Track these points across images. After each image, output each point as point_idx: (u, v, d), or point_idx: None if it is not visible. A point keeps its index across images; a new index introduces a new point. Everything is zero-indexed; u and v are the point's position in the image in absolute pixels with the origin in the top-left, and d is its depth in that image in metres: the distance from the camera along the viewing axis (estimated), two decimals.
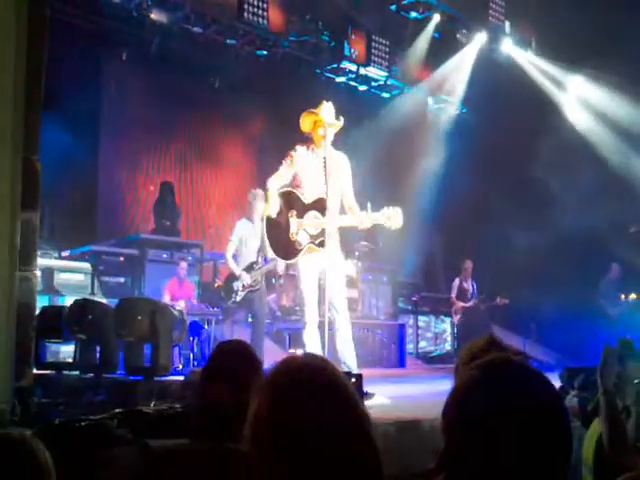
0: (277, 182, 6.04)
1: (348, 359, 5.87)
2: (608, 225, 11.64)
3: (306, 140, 6.10)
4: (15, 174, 4.40)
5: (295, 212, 5.92)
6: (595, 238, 11.98)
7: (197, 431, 2.40)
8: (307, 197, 5.95)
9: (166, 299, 9.62)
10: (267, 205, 6.10)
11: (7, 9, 4.42)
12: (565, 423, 1.28)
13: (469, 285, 12.72)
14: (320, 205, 5.82)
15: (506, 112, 13.30)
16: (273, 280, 11.15)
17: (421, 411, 4.99)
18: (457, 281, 12.81)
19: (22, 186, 4.48)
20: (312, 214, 5.88)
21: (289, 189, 6.03)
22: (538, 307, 12.74)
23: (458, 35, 14.12)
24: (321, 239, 5.76)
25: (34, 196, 4.87)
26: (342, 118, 6.03)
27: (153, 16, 11.59)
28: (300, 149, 6.06)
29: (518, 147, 13.70)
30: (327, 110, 5.99)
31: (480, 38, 14.11)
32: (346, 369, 5.70)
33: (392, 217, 5.65)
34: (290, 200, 6.00)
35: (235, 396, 2.34)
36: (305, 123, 5.99)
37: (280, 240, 5.97)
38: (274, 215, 5.99)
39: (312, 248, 5.84)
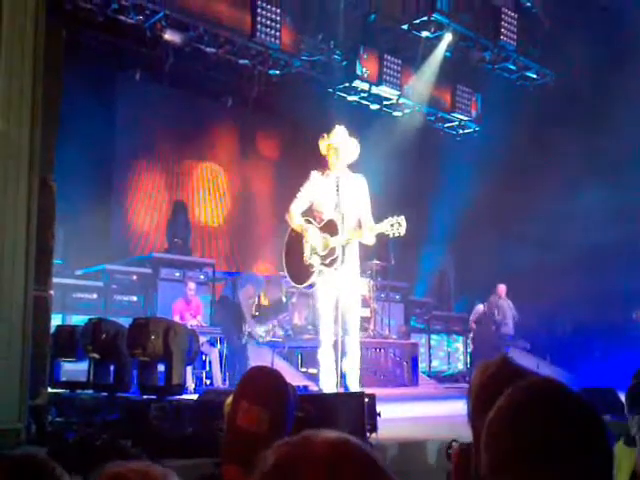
0: (298, 207, 6.18)
1: (352, 382, 5.93)
2: (623, 244, 11.61)
3: (322, 162, 6.21)
4: (32, 194, 4.44)
5: (310, 234, 6.03)
6: (609, 257, 11.93)
7: (227, 455, 2.40)
8: (323, 220, 6.06)
9: (176, 319, 9.65)
10: (290, 229, 6.24)
11: (25, 32, 4.49)
12: (607, 440, 1.31)
13: (502, 308, 12.65)
14: (330, 227, 5.94)
15: (519, 129, 13.30)
16: (284, 299, 11.20)
17: (432, 431, 4.98)
18: (480, 307, 12.80)
19: (38, 205, 4.52)
20: (323, 236, 5.99)
21: (304, 218, 6.17)
22: (551, 327, 12.69)
23: (470, 54, 14.18)
24: (331, 259, 5.88)
25: (50, 215, 4.92)
26: (354, 139, 6.11)
27: (167, 36, 11.69)
28: (315, 174, 6.18)
29: (530, 163, 13.72)
30: (338, 134, 6.07)
31: (491, 57, 14.18)
32: (346, 390, 5.77)
33: (395, 225, 5.75)
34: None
35: (271, 422, 2.34)
36: (321, 147, 6.15)
37: (295, 265, 6.12)
38: (291, 242, 6.16)
39: (323, 269, 5.93)
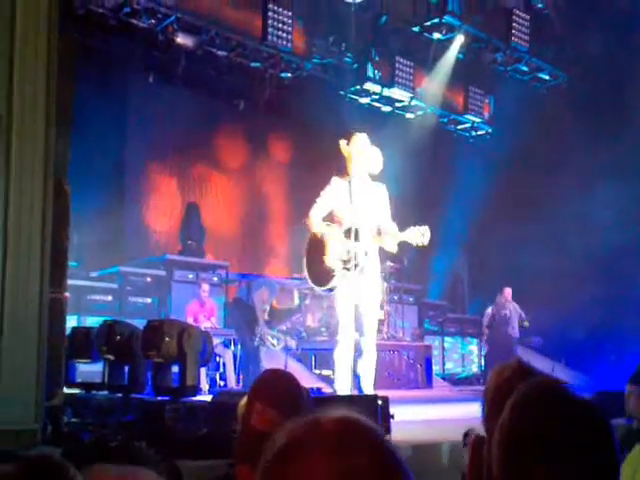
0: (318, 213, 6.23)
1: (366, 385, 5.95)
2: (637, 245, 11.54)
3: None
4: (47, 196, 4.47)
5: (332, 239, 6.08)
6: (623, 259, 11.87)
7: (241, 456, 2.41)
8: (344, 226, 6.11)
9: (189, 321, 9.67)
10: (312, 232, 6.28)
11: (38, 36, 4.52)
12: (611, 442, 1.32)
13: (508, 311, 12.64)
14: (352, 233, 5.98)
15: (531, 130, 13.26)
16: (297, 302, 11.23)
17: (446, 433, 4.97)
18: (489, 310, 12.79)
19: (53, 208, 4.55)
20: (344, 241, 6.04)
21: (325, 223, 6.22)
22: (566, 330, 12.64)
23: (482, 55, 14.17)
24: (353, 263, 5.94)
25: (65, 218, 4.95)
26: (378, 151, 6.13)
27: (179, 40, 11.75)
28: (335, 180, 6.22)
29: (542, 165, 13.68)
30: (358, 142, 6.09)
31: (503, 58, 14.16)
32: (360, 392, 5.79)
33: (419, 235, 5.78)
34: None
35: (280, 423, 2.35)
36: (343, 151, 6.16)
37: (315, 268, 6.17)
38: (312, 246, 6.21)
39: (345, 273, 5.96)
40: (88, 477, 1.37)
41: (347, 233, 6.02)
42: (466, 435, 2.49)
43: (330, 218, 6.24)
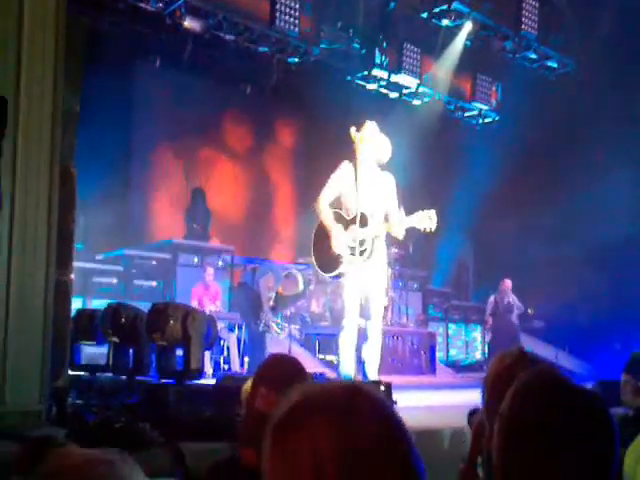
0: (326, 196, 6.21)
1: (371, 370, 5.97)
2: None
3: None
4: (53, 179, 4.49)
5: (338, 227, 6.09)
6: (629, 248, 11.85)
7: (245, 439, 2.43)
8: (351, 212, 6.10)
9: (194, 304, 9.71)
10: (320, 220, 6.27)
11: (47, 18, 4.52)
12: (611, 431, 1.34)
13: (507, 304, 12.67)
14: (360, 219, 5.97)
15: (539, 118, 13.21)
16: (302, 286, 11.25)
17: (449, 420, 4.99)
18: (492, 298, 12.80)
19: (59, 192, 4.57)
20: (352, 228, 6.04)
21: (333, 210, 6.21)
22: (571, 318, 12.64)
23: (490, 43, 14.10)
24: (360, 250, 5.94)
25: (71, 201, 4.97)
26: (386, 139, 6.11)
27: (186, 24, 11.71)
28: (345, 164, 6.18)
29: (550, 153, 13.64)
30: (368, 129, 6.07)
31: (512, 46, 14.09)
32: (365, 378, 5.80)
33: (426, 220, 5.75)
34: (333, 217, 6.20)
35: None
36: (352, 138, 6.11)
37: (323, 255, 6.17)
38: (320, 233, 6.21)
39: (352, 259, 5.96)
40: (55, 459, 1.39)
41: (354, 219, 6.02)
42: (471, 414, 2.51)
43: (339, 203, 6.24)
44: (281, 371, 2.51)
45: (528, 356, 2.35)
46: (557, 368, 1.52)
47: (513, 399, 1.38)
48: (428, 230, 5.86)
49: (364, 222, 5.97)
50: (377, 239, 6.03)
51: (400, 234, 6.10)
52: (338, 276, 6.12)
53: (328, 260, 6.12)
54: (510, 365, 2.25)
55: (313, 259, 6.31)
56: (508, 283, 12.71)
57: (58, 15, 4.57)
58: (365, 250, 5.93)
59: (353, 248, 5.96)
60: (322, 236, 6.19)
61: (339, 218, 6.17)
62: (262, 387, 2.45)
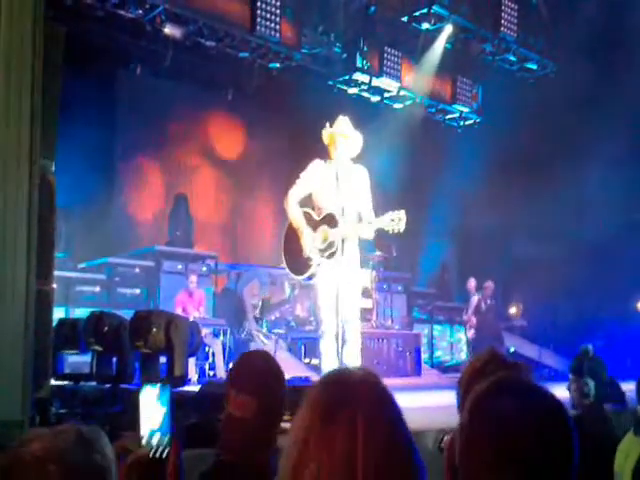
0: (296, 194, 6.12)
1: None
2: (627, 234, 11.60)
3: (324, 154, 6.19)
4: (32, 188, 4.46)
5: (308, 229, 6.00)
6: (613, 245, 11.94)
7: (224, 443, 2.43)
8: (322, 211, 6.02)
9: (178, 311, 9.69)
10: (289, 222, 6.19)
11: (24, 25, 4.50)
12: (568, 435, 1.32)
13: (489, 304, 12.74)
14: (330, 220, 5.91)
15: (520, 120, 13.29)
16: (288, 291, 11.26)
17: (434, 420, 5.00)
18: (475, 299, 12.84)
19: (39, 199, 4.54)
20: (322, 229, 5.96)
21: (303, 209, 6.12)
22: (554, 316, 12.71)
23: (470, 45, 14.17)
24: (330, 251, 5.86)
25: (50, 209, 4.94)
26: (358, 132, 6.09)
27: (167, 30, 11.69)
28: (317, 162, 6.14)
29: (531, 154, 13.72)
30: (341, 124, 6.06)
31: (492, 48, 14.17)
32: None
33: (395, 220, 5.67)
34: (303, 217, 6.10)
35: (260, 408, 2.36)
36: (323, 136, 6.11)
37: (293, 257, 6.08)
38: (290, 235, 6.11)
39: (321, 261, 5.91)
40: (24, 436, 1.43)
41: (325, 219, 5.95)
42: (441, 441, 2.50)
43: (310, 202, 6.17)
44: (250, 372, 2.49)
45: (499, 357, 2.34)
46: (527, 370, 1.52)
47: (469, 410, 1.38)
48: (397, 231, 5.73)
49: (333, 223, 5.88)
50: (347, 240, 5.91)
51: (370, 236, 6.03)
52: (310, 277, 6.06)
53: (298, 262, 6.03)
54: (481, 368, 2.25)
55: (284, 261, 6.22)
56: (490, 284, 12.79)
57: (36, 22, 4.55)
58: (334, 252, 5.83)
59: (322, 250, 5.91)
60: (292, 237, 6.09)
61: (309, 218, 6.07)
62: (232, 390, 2.44)
